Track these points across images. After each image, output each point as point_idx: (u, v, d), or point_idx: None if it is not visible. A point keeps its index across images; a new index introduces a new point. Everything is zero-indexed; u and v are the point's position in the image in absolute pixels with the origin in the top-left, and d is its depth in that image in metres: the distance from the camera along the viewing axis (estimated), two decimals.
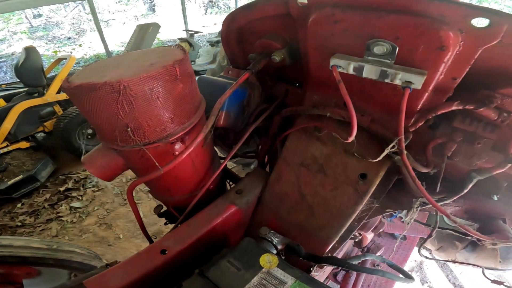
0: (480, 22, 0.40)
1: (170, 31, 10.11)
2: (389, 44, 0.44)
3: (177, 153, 0.54)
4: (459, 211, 0.60)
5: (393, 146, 0.48)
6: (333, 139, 0.59)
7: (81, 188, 2.55)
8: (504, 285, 0.78)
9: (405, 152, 0.46)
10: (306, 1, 0.48)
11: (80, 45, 8.01)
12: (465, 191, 0.50)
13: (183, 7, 6.84)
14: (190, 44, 4.54)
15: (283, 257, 0.54)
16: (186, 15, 6.76)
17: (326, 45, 0.50)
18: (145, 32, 4.41)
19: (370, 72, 0.45)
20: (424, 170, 0.51)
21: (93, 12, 4.65)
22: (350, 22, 0.46)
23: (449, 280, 2.11)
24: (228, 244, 0.64)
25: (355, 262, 0.58)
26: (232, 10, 0.70)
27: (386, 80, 0.44)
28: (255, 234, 0.57)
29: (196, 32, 5.74)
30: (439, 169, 0.53)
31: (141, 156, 0.52)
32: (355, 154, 0.56)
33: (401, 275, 0.57)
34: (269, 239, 0.55)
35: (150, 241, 0.70)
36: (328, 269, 0.73)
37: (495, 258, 1.33)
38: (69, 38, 8.69)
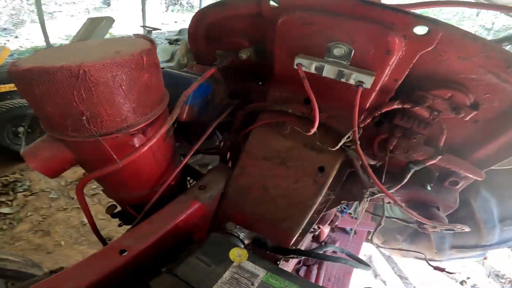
0: (420, 30, 0.45)
1: (125, 27, 9.57)
2: (346, 47, 0.48)
3: (137, 145, 0.50)
4: (400, 200, 0.66)
5: (349, 137, 0.53)
6: (293, 134, 0.61)
7: (11, 193, 2.28)
8: (445, 272, 0.88)
9: (358, 142, 0.51)
10: (277, 4, 0.52)
11: (16, 37, 7.26)
12: (405, 181, 0.57)
13: (143, 3, 6.48)
14: None
15: (251, 251, 0.54)
16: (145, 10, 6.41)
17: (292, 45, 0.53)
18: (96, 26, 4.09)
19: (329, 71, 0.49)
20: (372, 163, 0.58)
21: (37, 1, 4.16)
22: (315, 25, 0.49)
23: (395, 273, 2.33)
24: (193, 241, 0.62)
25: (319, 252, 0.60)
26: (200, 8, 0.71)
27: (342, 80, 0.49)
28: (220, 229, 0.56)
29: (154, 29, 5.50)
30: (384, 162, 0.60)
31: (95, 147, 0.47)
32: (314, 147, 0.60)
33: (359, 264, 0.61)
34: (236, 234, 0.54)
35: (104, 243, 0.64)
36: (291, 264, 0.75)
37: (431, 249, 1.51)
38: (5, 29, 7.81)
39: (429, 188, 0.61)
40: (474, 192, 1.33)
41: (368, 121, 0.57)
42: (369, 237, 0.90)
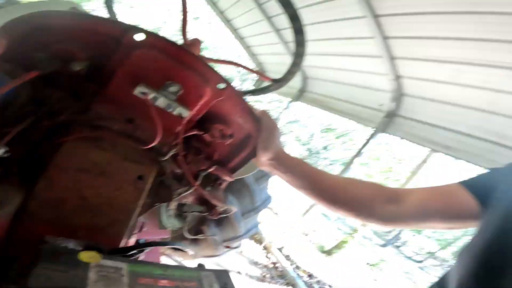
0: (222, 85, 0.71)
1: None
2: (179, 86, 0.66)
3: None
4: (194, 199, 0.92)
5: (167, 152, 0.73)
6: (113, 147, 0.69)
7: None
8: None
9: (180, 154, 0.72)
10: (142, 39, 0.59)
11: None
12: (198, 182, 0.82)
13: None
14: None
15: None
16: None
17: (138, 74, 0.63)
18: None
19: (162, 102, 0.65)
20: (178, 171, 0.79)
21: None
22: (163, 65, 0.63)
23: None
24: None
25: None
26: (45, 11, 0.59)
27: (169, 110, 0.66)
28: (25, 246, 0.51)
29: None
30: (185, 170, 0.80)
31: None
32: (133, 159, 0.71)
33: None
34: (64, 245, 0.53)
35: None
36: None
37: (211, 247, 1.91)
38: None
39: (209, 188, 0.89)
40: (225, 196, 1.91)
41: (178, 140, 0.76)
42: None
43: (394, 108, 3.91)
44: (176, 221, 2.45)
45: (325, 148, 17.04)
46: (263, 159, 0.78)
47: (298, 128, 17.57)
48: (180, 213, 0.89)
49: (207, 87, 0.68)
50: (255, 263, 3.80)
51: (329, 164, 16.53)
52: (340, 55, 4.29)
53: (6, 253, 0.54)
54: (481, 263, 0.51)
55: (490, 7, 2.24)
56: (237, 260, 3.60)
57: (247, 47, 7.31)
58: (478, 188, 0.62)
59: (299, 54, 0.96)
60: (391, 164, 15.45)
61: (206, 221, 1.92)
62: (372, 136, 4.27)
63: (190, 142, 0.81)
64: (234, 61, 1.06)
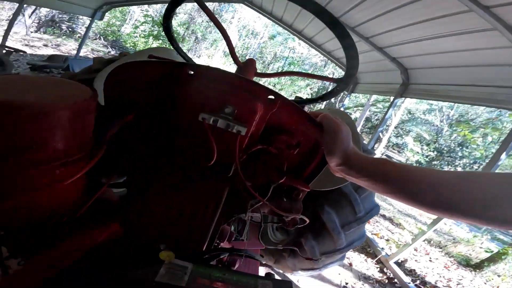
0: (271, 97, 0.73)
1: None
2: (232, 107, 0.71)
3: (70, 173, 0.58)
4: (270, 210, 0.92)
5: (235, 168, 0.77)
6: (194, 168, 0.81)
7: None
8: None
9: (239, 169, 0.74)
10: (192, 72, 0.71)
11: None
12: (269, 194, 0.82)
13: (13, 19, 5.25)
14: (1, 63, 3.57)
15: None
16: (11, 28, 5.23)
17: (197, 102, 0.73)
18: None
19: (221, 124, 0.70)
20: (249, 184, 0.80)
21: None
22: (215, 91, 0.71)
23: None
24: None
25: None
26: (125, 58, 0.79)
27: (229, 129, 0.70)
28: (136, 247, 0.67)
29: (16, 51, 4.56)
30: (254, 183, 0.84)
31: (29, 174, 0.52)
32: (209, 176, 0.81)
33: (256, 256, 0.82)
34: (157, 247, 0.65)
35: (5, 270, 0.61)
36: None
37: (309, 260, 1.89)
38: None
39: (285, 200, 0.89)
40: (321, 207, 1.83)
41: (245, 157, 0.81)
42: (258, 236, 1.15)
43: None
44: (279, 234, 2.52)
45: (460, 145, 13.92)
46: (332, 165, 0.72)
47: (417, 126, 15.10)
48: (283, 226, 0.92)
49: (257, 102, 0.72)
50: (366, 278, 3.41)
51: (472, 162, 13.40)
52: (444, 36, 3.49)
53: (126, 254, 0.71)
54: None
55: None
56: (345, 274, 3.32)
57: (328, 53, 7.13)
58: None
59: (348, 45, 0.88)
60: None
61: (304, 234, 1.90)
62: None
63: (258, 156, 0.84)
64: (290, 71, 1.06)
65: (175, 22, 16.20)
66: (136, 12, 16.18)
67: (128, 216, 0.77)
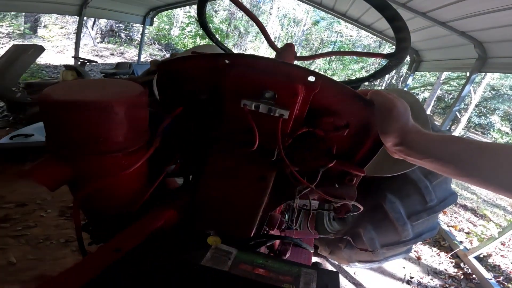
0: (312, 78, 0.70)
1: (52, 56, 8.90)
2: (272, 92, 0.70)
3: (131, 163, 0.65)
4: (319, 197, 0.87)
5: (278, 151, 0.76)
6: (240, 155, 0.81)
7: None
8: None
9: (283, 152, 0.73)
10: (228, 62, 0.73)
11: None
12: (318, 179, 0.79)
13: (79, 32, 6.19)
14: (79, 73, 4.18)
15: None
16: (80, 40, 6.13)
17: (238, 90, 0.74)
18: (21, 54, 3.82)
19: (263, 109, 0.70)
20: (295, 169, 0.78)
21: None
22: (252, 78, 0.71)
23: (349, 281, 2.58)
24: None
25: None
26: (167, 58, 0.85)
27: (271, 113, 0.70)
28: (190, 232, 0.71)
29: (89, 61, 5.28)
30: (302, 168, 0.82)
31: (98, 164, 0.61)
32: (256, 162, 0.80)
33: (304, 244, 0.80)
34: (207, 232, 0.69)
35: (84, 253, 0.71)
36: None
37: (368, 251, 1.79)
38: None
39: (336, 185, 0.84)
40: (382, 196, 1.68)
41: (290, 141, 0.79)
42: (307, 225, 1.11)
43: None
44: (336, 223, 2.43)
45: None
46: (388, 145, 0.65)
47: (504, 103, 12.68)
48: (334, 214, 0.90)
49: (297, 84, 0.69)
50: (436, 273, 3.05)
51: None
52: None
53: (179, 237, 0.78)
54: None
55: None
56: (410, 267, 3.03)
57: (379, 32, 6.48)
58: None
59: (391, 16, 0.79)
60: None
61: (362, 224, 1.79)
62: None
63: (305, 140, 0.82)
64: (332, 51, 0.99)
65: (216, 20, 16.72)
66: (180, 14, 16.88)
67: (181, 203, 0.83)
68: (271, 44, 1.07)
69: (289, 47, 1.04)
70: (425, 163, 0.59)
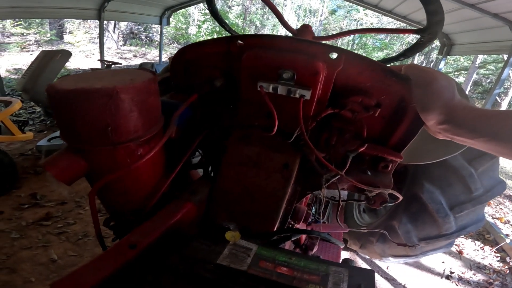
0: (334, 55, 0.64)
1: (80, 60, 9.39)
2: (291, 72, 0.64)
3: (143, 153, 0.62)
4: (350, 185, 0.80)
5: (299, 134, 0.69)
6: (260, 141, 0.76)
7: None
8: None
9: (306, 135, 0.68)
10: (242, 43, 0.69)
11: None
12: (347, 166, 0.72)
13: (101, 36, 6.50)
14: None
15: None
16: (103, 44, 6.41)
17: (253, 73, 0.69)
18: (50, 59, 4.02)
19: (282, 90, 0.65)
20: (322, 155, 0.72)
21: None
22: (268, 58, 0.66)
23: (381, 276, 2.45)
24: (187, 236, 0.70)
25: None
26: (181, 47, 0.83)
27: (291, 95, 0.65)
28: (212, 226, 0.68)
29: (114, 63, 5.50)
30: (329, 154, 0.76)
31: (110, 155, 0.59)
32: (278, 149, 0.75)
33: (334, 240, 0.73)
34: (226, 226, 0.64)
35: (104, 247, 0.70)
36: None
37: (403, 245, 1.65)
38: None
39: (369, 173, 0.76)
40: (419, 185, 1.53)
41: (314, 124, 0.73)
42: (337, 218, 1.03)
43: None
44: (367, 216, 2.29)
45: None
46: (430, 124, 0.57)
47: None
48: (368, 204, 0.82)
49: (317, 61, 0.63)
50: (479, 267, 2.80)
51: None
52: None
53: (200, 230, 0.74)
54: None
55: None
56: (451, 262, 2.80)
57: (403, 17, 6.30)
58: None
59: None
60: None
61: (397, 216, 1.66)
62: None
63: (330, 123, 0.74)
64: (354, 29, 0.89)
65: (231, 16, 16.76)
66: (195, 12, 16.94)
67: (199, 195, 0.79)
68: (286, 25, 1.00)
69: (306, 27, 0.96)
70: (477, 142, 0.51)
